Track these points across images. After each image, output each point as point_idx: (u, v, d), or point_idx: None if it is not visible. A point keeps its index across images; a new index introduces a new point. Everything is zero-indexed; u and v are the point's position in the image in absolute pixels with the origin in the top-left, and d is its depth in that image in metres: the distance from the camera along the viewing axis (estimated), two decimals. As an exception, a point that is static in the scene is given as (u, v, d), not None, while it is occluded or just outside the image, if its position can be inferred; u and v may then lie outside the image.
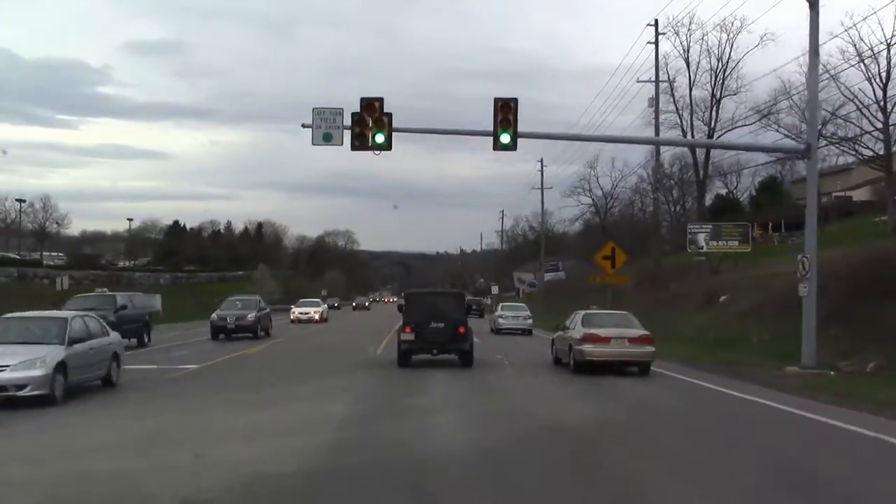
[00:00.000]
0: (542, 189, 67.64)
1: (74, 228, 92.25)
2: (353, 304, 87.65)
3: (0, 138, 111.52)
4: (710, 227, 36.66)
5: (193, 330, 36.56)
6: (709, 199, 56.35)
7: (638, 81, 42.30)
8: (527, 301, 52.84)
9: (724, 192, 62.25)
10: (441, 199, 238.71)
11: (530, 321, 36.91)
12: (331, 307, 69.55)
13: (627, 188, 68.22)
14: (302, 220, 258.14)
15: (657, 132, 41.45)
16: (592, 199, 72.88)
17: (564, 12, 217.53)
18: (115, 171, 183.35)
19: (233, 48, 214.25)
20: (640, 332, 18.31)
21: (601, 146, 66.97)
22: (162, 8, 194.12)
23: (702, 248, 36.36)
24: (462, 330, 19.19)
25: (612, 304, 27.29)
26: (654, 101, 41.66)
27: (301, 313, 47.53)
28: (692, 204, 60.41)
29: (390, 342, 24.38)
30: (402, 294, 25.04)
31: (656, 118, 41.97)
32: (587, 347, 17.92)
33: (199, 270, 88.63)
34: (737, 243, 35.61)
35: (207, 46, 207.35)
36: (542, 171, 66.74)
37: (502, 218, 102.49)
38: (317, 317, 47.29)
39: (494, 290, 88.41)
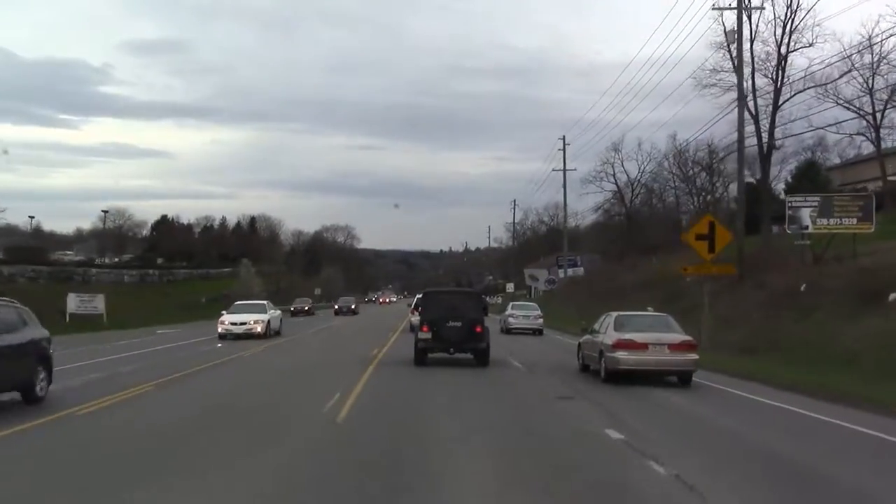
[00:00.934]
0: (563, 170, 62.17)
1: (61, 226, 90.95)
2: (336, 306, 70.19)
3: (1, 138, 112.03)
4: (819, 199, 29.40)
5: (128, 342, 29.16)
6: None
7: (713, 9, 32.62)
8: (545, 301, 50.96)
9: (750, 180, 59.29)
10: (443, 196, 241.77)
11: (541, 321, 36.32)
12: (298, 311, 61.51)
13: (652, 173, 64.95)
14: (303, 219, 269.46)
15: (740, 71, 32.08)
16: (616, 185, 66.78)
17: (569, 8, 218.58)
18: (116, 170, 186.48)
19: (233, 46, 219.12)
20: (681, 337, 16.33)
21: (621, 130, 63.41)
22: (161, 6, 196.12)
23: (806, 227, 28.70)
24: (479, 329, 19.40)
25: (708, 307, 23.33)
26: (736, 36, 31.84)
27: (233, 324, 31.13)
28: (722, 192, 57.30)
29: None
30: (419, 294, 24.92)
31: (739, 53, 32.21)
32: (621, 355, 16.03)
33: (177, 267, 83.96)
34: (855, 221, 28.15)
35: (207, 45, 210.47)
36: (563, 150, 61.78)
37: (514, 210, 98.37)
38: (259, 329, 30.97)
39: (510, 287, 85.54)
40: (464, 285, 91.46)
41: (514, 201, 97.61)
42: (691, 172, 58.25)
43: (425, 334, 19.43)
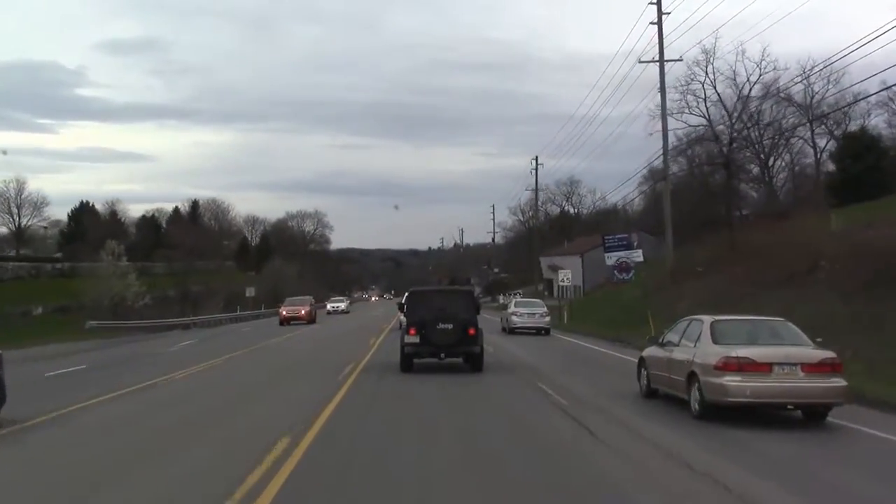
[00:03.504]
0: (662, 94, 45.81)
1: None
2: (283, 312, 51.20)
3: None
4: None
5: None
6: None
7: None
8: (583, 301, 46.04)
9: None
10: (430, 194, 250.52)
11: (548, 318, 35.75)
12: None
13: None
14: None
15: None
16: (706, 116, 45.58)
17: (550, 1, 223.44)
18: (97, 175, 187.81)
19: (212, 46, 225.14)
20: (820, 353, 11.71)
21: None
22: (135, 6, 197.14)
23: None
24: (472, 331, 18.92)
25: None
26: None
27: None
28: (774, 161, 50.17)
29: None
30: (405, 293, 23.83)
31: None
32: (731, 381, 11.68)
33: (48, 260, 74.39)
34: None
35: (186, 45, 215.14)
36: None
37: (536, 170, 77.88)
38: None
39: (516, 296, 79.23)
40: (460, 283, 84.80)
41: (537, 159, 76.68)
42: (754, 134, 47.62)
43: (412, 338, 18.94)
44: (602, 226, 79.42)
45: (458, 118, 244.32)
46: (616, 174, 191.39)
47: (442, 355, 19.09)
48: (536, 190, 78.72)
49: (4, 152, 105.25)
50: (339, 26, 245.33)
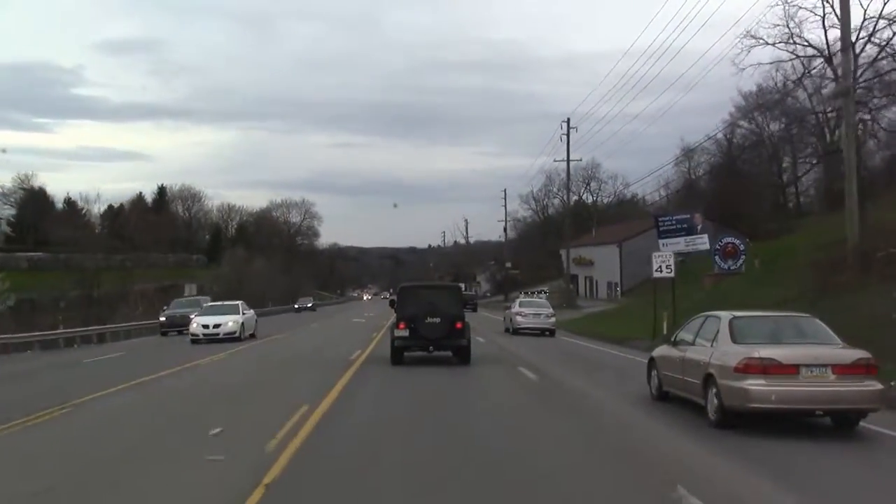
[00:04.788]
0: None
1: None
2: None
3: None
4: None
5: None
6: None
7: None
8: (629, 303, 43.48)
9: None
10: (430, 194, 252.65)
11: (553, 319, 35.68)
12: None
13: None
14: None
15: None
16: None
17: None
18: (96, 174, 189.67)
19: (209, 45, 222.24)
20: (852, 353, 10.74)
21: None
22: (131, 5, 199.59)
23: None
24: (459, 325, 20.00)
25: None
26: None
27: None
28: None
29: None
30: (396, 289, 25.10)
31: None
32: (753, 384, 10.73)
33: None
34: None
35: (182, 44, 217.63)
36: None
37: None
38: None
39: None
40: (463, 280, 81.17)
41: (568, 122, 64.40)
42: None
43: (402, 332, 20.02)
44: (628, 216, 75.10)
45: (457, 117, 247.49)
46: (635, 171, 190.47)
47: (431, 348, 20.20)
48: (568, 160, 65.31)
49: (3, 150, 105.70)
50: (338, 25, 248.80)
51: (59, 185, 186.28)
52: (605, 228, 78.13)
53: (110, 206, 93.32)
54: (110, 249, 68.60)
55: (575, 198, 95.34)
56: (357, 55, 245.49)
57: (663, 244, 32.64)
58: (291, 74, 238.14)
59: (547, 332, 34.40)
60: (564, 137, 62.87)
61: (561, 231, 75.64)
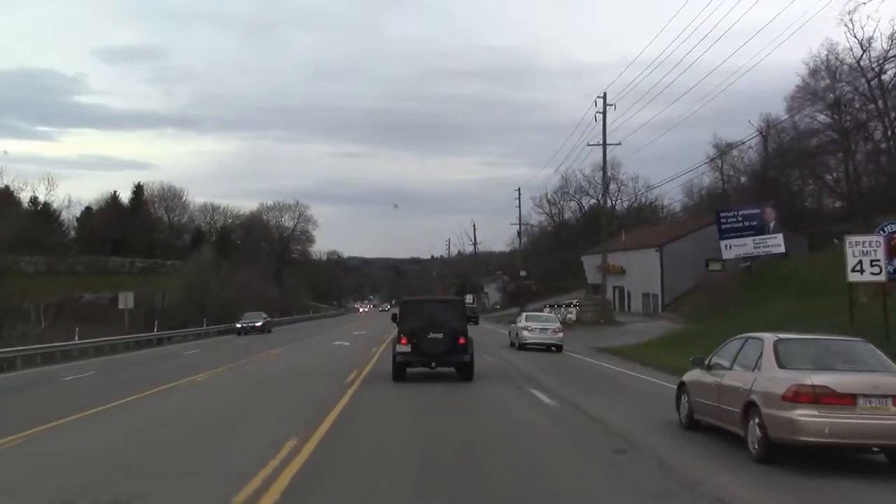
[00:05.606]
0: None
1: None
2: None
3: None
4: None
5: None
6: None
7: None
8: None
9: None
10: (432, 203, 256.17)
11: (561, 335, 34.63)
12: None
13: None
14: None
15: None
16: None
17: (553, 8, 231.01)
18: (99, 183, 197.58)
19: (211, 53, 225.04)
20: (914, 381, 9.58)
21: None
22: (133, 13, 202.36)
23: None
24: (462, 340, 19.68)
25: None
26: None
27: None
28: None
29: None
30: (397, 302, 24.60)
31: None
32: (802, 415, 9.78)
33: None
34: None
35: (184, 52, 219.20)
36: None
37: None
38: None
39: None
40: (470, 291, 76.90)
41: (605, 98, 54.09)
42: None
43: (404, 347, 19.68)
44: (648, 223, 68.78)
45: (459, 126, 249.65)
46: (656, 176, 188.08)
47: (433, 364, 19.87)
48: (605, 142, 53.80)
49: (5, 152, 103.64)
50: (340, 33, 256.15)
51: (60, 194, 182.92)
52: (630, 234, 69.46)
53: (88, 209, 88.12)
54: (46, 250, 62.18)
55: (592, 201, 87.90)
56: (360, 64, 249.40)
57: (726, 246, 27.28)
58: (293, 83, 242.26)
59: (553, 348, 33.90)
60: (599, 116, 52.73)
61: (579, 237, 69.39)
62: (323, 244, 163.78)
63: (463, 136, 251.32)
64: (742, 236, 27.17)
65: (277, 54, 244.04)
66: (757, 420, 10.36)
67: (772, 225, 27.80)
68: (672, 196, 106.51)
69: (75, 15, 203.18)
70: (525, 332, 34.67)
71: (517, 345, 34.81)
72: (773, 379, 10.30)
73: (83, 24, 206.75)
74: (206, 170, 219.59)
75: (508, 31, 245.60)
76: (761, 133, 56.96)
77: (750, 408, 10.58)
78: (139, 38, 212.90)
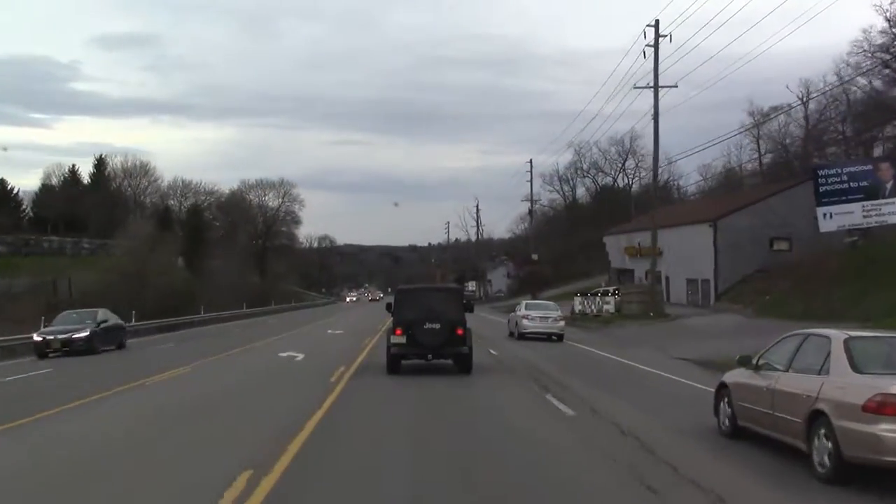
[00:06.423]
0: None
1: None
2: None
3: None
4: None
5: None
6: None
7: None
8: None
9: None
10: (430, 191, 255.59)
11: (562, 323, 34.27)
12: None
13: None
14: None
15: None
16: None
17: None
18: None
19: (208, 41, 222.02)
20: None
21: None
22: (130, 0, 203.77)
23: None
24: (460, 331, 19.21)
25: None
26: None
27: None
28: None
29: None
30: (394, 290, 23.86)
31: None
32: (889, 430, 8.21)
33: None
34: None
35: (181, 39, 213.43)
36: None
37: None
38: None
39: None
40: (473, 279, 72.34)
41: (657, 29, 43.39)
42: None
43: (399, 338, 19.19)
44: (668, 201, 60.41)
45: (457, 115, 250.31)
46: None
47: (429, 356, 19.35)
48: (656, 85, 42.57)
49: (5, 149, 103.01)
50: (337, 22, 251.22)
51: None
52: (664, 210, 54.83)
53: (43, 185, 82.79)
54: None
55: (607, 178, 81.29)
56: (357, 53, 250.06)
57: (825, 214, 21.19)
58: (291, 71, 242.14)
59: (554, 337, 33.43)
60: (649, 51, 41.71)
61: (592, 218, 60.20)
62: (317, 231, 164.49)
63: (461, 124, 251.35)
64: (847, 200, 21.15)
65: (275, 43, 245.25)
66: (823, 432, 8.89)
67: (889, 186, 20.97)
68: (688, 178, 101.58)
69: (70, 1, 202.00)
70: (525, 321, 34.03)
71: (516, 334, 34.30)
72: (847, 385, 8.82)
73: (79, 11, 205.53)
74: (202, 158, 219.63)
75: (506, 20, 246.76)
76: (801, 100, 54.18)
77: (816, 418, 9.08)
78: (135, 26, 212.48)
